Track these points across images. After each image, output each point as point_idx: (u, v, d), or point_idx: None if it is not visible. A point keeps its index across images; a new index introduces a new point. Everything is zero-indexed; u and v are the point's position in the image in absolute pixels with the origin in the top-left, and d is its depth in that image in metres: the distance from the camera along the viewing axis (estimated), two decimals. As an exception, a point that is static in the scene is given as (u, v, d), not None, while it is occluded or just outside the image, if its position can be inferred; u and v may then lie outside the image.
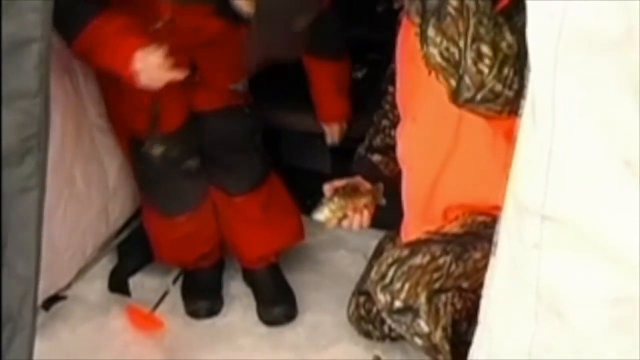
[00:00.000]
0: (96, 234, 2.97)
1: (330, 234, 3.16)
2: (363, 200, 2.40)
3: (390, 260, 2.22)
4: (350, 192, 2.38)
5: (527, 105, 1.57)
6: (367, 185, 2.44)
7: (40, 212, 2.11)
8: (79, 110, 2.79)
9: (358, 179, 2.46)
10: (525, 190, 1.57)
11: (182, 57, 2.56)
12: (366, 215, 2.40)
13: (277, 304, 3.03)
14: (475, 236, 2.16)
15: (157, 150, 2.77)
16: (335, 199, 2.36)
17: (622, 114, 1.43)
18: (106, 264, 3.13)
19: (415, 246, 2.22)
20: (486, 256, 2.04)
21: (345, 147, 2.98)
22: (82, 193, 2.84)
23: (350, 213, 2.36)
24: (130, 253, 3.15)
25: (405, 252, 2.22)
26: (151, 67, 2.45)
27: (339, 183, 2.41)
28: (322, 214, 2.36)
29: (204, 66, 2.75)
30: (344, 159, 2.82)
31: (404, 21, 2.33)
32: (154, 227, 3.01)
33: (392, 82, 2.47)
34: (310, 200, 3.03)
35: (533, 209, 1.53)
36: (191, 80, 2.67)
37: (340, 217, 2.36)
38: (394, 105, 2.46)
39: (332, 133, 3.12)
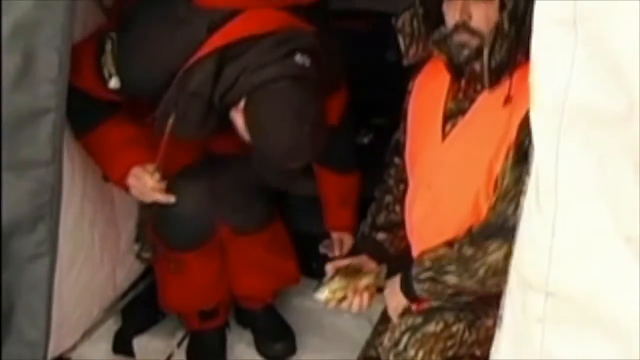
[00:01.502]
0: (103, 297, 2.97)
1: (334, 298, 3.18)
2: (364, 281, 2.37)
3: (403, 327, 2.24)
4: (352, 273, 2.37)
5: (531, 183, 1.60)
6: (370, 265, 2.43)
7: (51, 278, 2.15)
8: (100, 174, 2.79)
9: (363, 258, 2.45)
10: (529, 267, 1.59)
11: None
12: (366, 297, 2.37)
13: (277, 340, 3.10)
14: (487, 303, 2.16)
15: (147, 255, 2.80)
16: (337, 279, 2.35)
17: (623, 190, 1.46)
18: (111, 326, 3.12)
19: (428, 313, 2.23)
20: (498, 323, 2.09)
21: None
22: (96, 257, 2.85)
23: (350, 294, 2.35)
24: (135, 315, 3.15)
25: (419, 319, 2.23)
26: (143, 187, 2.50)
27: (341, 263, 2.42)
28: (323, 294, 2.36)
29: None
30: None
31: (418, 82, 2.36)
32: (162, 266, 2.98)
33: (397, 152, 2.47)
34: (316, 264, 3.07)
35: (537, 286, 1.56)
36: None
37: (339, 298, 2.35)
38: (399, 180, 2.46)
39: (335, 243, 3.07)
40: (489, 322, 2.16)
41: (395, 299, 2.32)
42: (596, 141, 1.47)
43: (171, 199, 2.54)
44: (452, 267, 2.14)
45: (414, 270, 2.21)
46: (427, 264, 2.18)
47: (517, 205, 1.94)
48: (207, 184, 2.81)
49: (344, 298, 2.34)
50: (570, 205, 1.51)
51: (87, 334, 2.99)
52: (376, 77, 3.21)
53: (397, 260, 2.43)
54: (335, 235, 3.06)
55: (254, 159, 2.55)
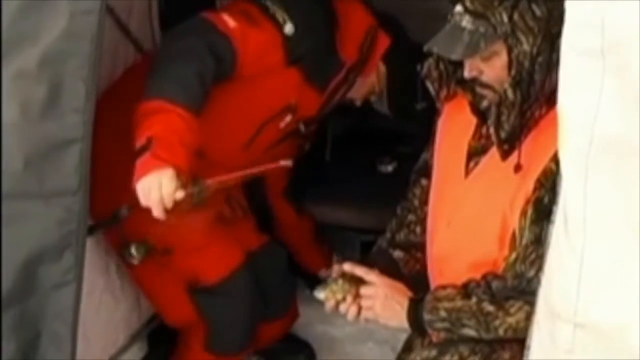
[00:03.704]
0: (128, 326, 2.99)
1: (358, 326, 3.16)
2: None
3: (418, 359, 2.23)
4: (357, 279, 2.26)
5: (559, 213, 1.59)
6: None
7: (77, 306, 2.16)
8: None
9: (374, 271, 2.29)
10: (558, 298, 1.58)
11: (220, 193, 2.63)
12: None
13: (298, 353, 3.23)
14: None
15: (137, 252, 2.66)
16: (340, 281, 2.26)
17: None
18: (136, 352, 3.13)
19: (443, 346, 2.20)
20: (515, 356, 2.07)
21: (374, 240, 2.98)
22: (116, 284, 2.87)
23: (349, 299, 2.24)
24: (160, 342, 3.16)
25: (434, 352, 2.20)
26: (158, 188, 2.28)
27: (349, 267, 2.29)
28: (322, 293, 2.27)
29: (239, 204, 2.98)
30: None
31: (447, 110, 2.33)
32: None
33: (425, 173, 2.42)
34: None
35: (565, 317, 1.54)
36: (235, 215, 2.77)
37: (339, 300, 2.25)
38: (423, 201, 2.41)
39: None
40: (506, 355, 2.14)
41: (395, 319, 2.24)
42: (625, 172, 1.46)
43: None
44: (470, 322, 2.11)
45: (427, 317, 2.15)
46: (443, 314, 2.13)
47: (539, 268, 1.91)
48: (252, 287, 2.90)
49: (343, 300, 2.24)
50: (599, 236, 1.49)
51: (111, 360, 3.00)
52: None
53: (408, 281, 2.34)
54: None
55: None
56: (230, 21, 2.57)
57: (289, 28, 2.65)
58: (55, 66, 2.02)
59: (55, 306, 2.14)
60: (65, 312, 2.15)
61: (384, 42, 2.94)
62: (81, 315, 2.30)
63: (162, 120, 2.35)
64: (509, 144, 2.06)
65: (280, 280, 3.09)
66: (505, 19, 1.98)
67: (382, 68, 2.98)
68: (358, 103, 3.07)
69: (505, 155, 2.07)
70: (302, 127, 2.91)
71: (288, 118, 2.80)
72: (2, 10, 2.01)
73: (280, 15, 2.65)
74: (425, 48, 2.08)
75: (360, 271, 2.27)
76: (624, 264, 1.48)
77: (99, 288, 2.77)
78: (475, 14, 2.01)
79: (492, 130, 2.05)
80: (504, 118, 2.02)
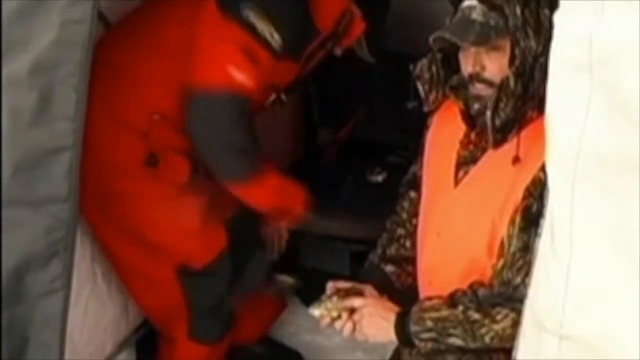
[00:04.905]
0: (116, 332, 2.98)
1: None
2: None
3: (404, 369, 2.23)
4: (352, 296, 2.28)
5: (546, 225, 1.60)
6: (373, 294, 2.35)
7: (65, 314, 2.15)
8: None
9: (367, 287, 2.34)
10: (544, 309, 1.59)
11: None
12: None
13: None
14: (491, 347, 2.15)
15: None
16: (334, 298, 2.28)
17: (639, 236, 1.46)
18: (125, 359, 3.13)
19: (430, 356, 2.21)
20: (501, 367, 2.07)
21: (364, 250, 2.99)
22: (102, 291, 2.86)
23: (345, 315, 2.26)
24: (149, 349, 3.15)
25: (420, 361, 2.22)
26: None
27: (343, 284, 2.34)
28: (318, 310, 2.28)
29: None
30: (362, 262, 2.83)
31: (436, 120, 2.35)
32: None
33: (414, 186, 2.45)
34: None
35: (551, 329, 1.55)
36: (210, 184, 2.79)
37: (334, 317, 2.26)
38: (412, 214, 2.43)
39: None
40: None
41: (383, 335, 2.25)
42: (612, 187, 1.47)
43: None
44: (456, 331, 2.10)
45: (414, 328, 2.15)
46: (429, 324, 2.13)
47: (526, 274, 1.94)
48: (232, 265, 2.91)
49: (338, 317, 2.26)
50: (585, 250, 1.50)
51: (100, 367, 3.00)
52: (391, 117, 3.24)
53: (401, 294, 2.37)
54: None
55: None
56: (239, 75, 2.61)
57: (276, 42, 2.64)
58: (46, 74, 2.02)
59: (42, 314, 2.14)
60: (53, 320, 2.14)
61: (359, 26, 2.95)
62: (68, 322, 2.31)
63: (259, 190, 2.80)
64: (502, 134, 2.07)
65: (251, 247, 3.07)
66: (519, 11, 2.02)
67: (358, 14, 2.96)
68: (338, 53, 3.05)
69: (497, 144, 2.09)
70: (283, 97, 2.96)
71: (272, 97, 2.90)
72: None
73: (267, 31, 2.63)
74: (433, 37, 2.10)
75: (345, 288, 2.31)
76: (610, 277, 1.48)
77: (85, 294, 2.76)
78: (489, 5, 2.05)
79: (488, 114, 2.05)
80: (501, 105, 2.04)
